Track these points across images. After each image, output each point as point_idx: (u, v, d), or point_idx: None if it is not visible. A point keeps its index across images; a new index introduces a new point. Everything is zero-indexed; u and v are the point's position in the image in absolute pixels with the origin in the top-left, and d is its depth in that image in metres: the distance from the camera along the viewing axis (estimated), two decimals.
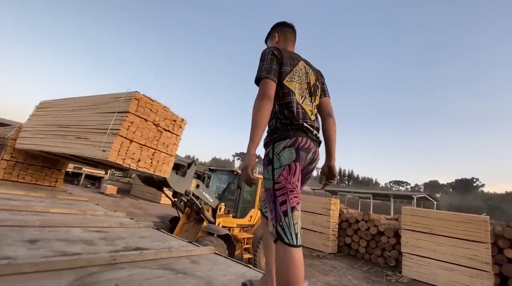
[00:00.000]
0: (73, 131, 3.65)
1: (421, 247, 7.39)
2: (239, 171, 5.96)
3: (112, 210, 3.57)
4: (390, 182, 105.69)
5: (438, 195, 65.72)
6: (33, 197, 3.44)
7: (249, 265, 2.07)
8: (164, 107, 3.55)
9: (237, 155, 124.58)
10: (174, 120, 3.71)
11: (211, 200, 5.13)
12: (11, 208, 2.44)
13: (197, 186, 4.72)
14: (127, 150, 3.14)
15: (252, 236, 5.76)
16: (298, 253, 1.09)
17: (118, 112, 3.23)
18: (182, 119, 3.90)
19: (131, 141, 3.18)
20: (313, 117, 1.35)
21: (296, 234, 1.11)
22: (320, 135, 1.40)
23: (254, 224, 6.15)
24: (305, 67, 1.44)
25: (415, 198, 21.95)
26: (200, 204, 4.84)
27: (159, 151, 3.53)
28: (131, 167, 3.20)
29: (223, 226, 5.32)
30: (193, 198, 4.71)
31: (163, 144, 3.60)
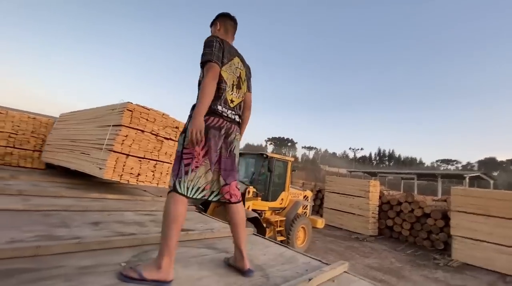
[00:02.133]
0: (79, 146, 3.56)
1: (475, 230, 6.81)
2: (269, 154, 5.95)
3: (157, 196, 3.87)
4: (437, 161, 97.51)
5: (495, 174, 59.18)
6: (89, 185, 3.86)
7: (287, 246, 2.12)
8: (163, 114, 3.32)
9: (269, 139, 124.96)
10: (177, 127, 3.50)
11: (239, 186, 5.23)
12: (75, 195, 2.79)
13: None
14: (124, 165, 2.97)
15: (284, 218, 5.80)
16: (183, 201, 1.33)
17: (112, 125, 3.03)
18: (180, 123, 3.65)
19: (127, 155, 2.98)
20: (232, 105, 1.55)
21: (188, 188, 1.34)
22: (237, 117, 1.60)
23: (286, 207, 6.18)
24: (238, 62, 1.62)
25: (467, 177, 19.97)
26: None
27: (162, 161, 3.33)
28: (130, 182, 3.04)
29: (253, 210, 5.41)
30: None
31: (166, 153, 3.41)
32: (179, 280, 1.23)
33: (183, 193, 1.33)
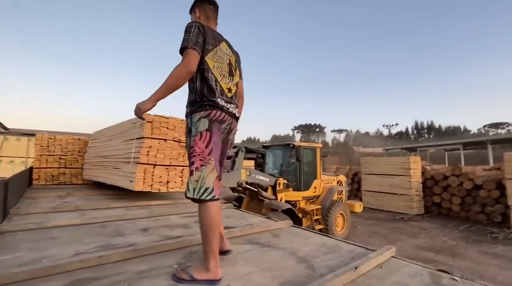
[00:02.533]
0: (110, 161, 3.70)
1: None
2: (296, 143, 5.89)
3: None
4: (484, 126, 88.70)
5: None
6: (134, 194, 4.15)
7: (328, 234, 2.10)
8: (182, 120, 3.32)
9: (296, 128, 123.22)
10: None
11: (267, 180, 5.22)
12: (123, 205, 3.03)
13: (249, 173, 4.83)
14: (153, 175, 3.04)
15: (320, 206, 5.73)
16: (211, 205, 1.28)
17: (136, 138, 3.11)
18: None
19: (154, 165, 3.05)
20: (230, 95, 1.46)
21: (195, 190, 1.27)
22: (237, 109, 1.51)
23: (320, 195, 6.10)
24: (226, 48, 1.52)
25: None
26: (256, 188, 4.99)
27: (188, 166, 3.47)
28: (161, 191, 3.12)
29: (286, 201, 5.41)
30: (247, 186, 4.85)
31: (183, 157, 3.41)
32: (229, 277, 1.29)
33: (190, 196, 1.28)
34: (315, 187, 6.03)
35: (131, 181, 3.01)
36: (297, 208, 5.62)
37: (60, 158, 5.34)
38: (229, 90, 1.46)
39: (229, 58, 1.51)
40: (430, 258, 4.84)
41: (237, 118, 1.52)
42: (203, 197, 1.27)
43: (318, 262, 1.52)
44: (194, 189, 1.27)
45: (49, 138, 5.35)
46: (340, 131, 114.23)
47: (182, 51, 1.32)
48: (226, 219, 2.58)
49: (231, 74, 1.49)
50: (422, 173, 9.33)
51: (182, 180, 3.38)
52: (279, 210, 4.64)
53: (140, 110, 1.32)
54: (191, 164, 1.31)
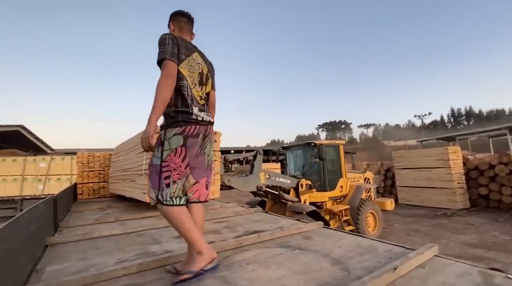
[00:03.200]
0: (128, 174, 3.81)
1: None
2: (317, 141, 5.69)
3: (225, 202, 4.12)
4: None
5: None
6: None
7: (362, 234, 2.02)
8: None
9: (320, 126, 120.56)
10: None
11: (288, 182, 5.08)
12: (157, 214, 3.17)
13: (268, 176, 4.74)
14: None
15: (348, 206, 5.45)
16: (176, 209, 1.36)
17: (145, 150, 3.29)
18: (215, 133, 3.72)
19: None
20: (202, 102, 1.52)
21: (173, 198, 1.36)
22: (210, 116, 1.56)
23: (347, 194, 5.82)
24: (198, 58, 1.56)
25: None
26: (277, 190, 4.88)
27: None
28: None
29: (312, 202, 5.23)
30: (267, 189, 4.75)
31: None
32: (262, 282, 1.29)
33: (169, 203, 1.35)
34: (341, 186, 5.78)
35: (144, 193, 3.11)
36: (324, 209, 5.43)
37: (99, 173, 5.75)
38: (201, 98, 1.52)
39: (202, 68, 1.56)
40: (480, 256, 4.43)
41: (211, 123, 1.57)
42: (177, 203, 1.37)
43: (353, 263, 1.47)
44: (173, 198, 1.36)
45: (89, 155, 5.80)
46: (367, 126, 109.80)
47: (160, 63, 1.39)
48: (254, 223, 2.59)
49: (201, 83, 1.55)
50: (464, 164, 8.62)
51: None
52: (304, 213, 4.50)
53: (146, 140, 1.33)
54: (166, 177, 1.36)
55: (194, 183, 1.47)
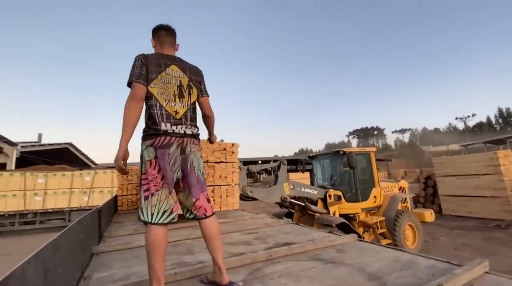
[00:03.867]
0: None
1: None
2: (346, 149, 5.41)
3: (255, 213, 4.13)
4: None
5: None
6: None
7: (401, 248, 1.90)
8: (206, 140, 3.54)
9: (351, 133, 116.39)
10: (224, 149, 3.61)
11: (315, 192, 4.88)
12: (190, 224, 3.28)
13: (293, 187, 4.59)
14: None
15: (383, 218, 5.08)
16: (155, 228, 1.32)
17: None
18: (233, 144, 3.74)
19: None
20: (178, 116, 1.50)
21: (152, 214, 1.33)
22: (191, 128, 1.54)
23: (381, 204, 5.42)
24: (175, 71, 1.54)
25: None
26: (304, 202, 4.69)
27: (218, 185, 3.44)
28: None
29: (343, 214, 4.97)
30: (292, 200, 4.57)
31: (220, 177, 3.49)
32: None
33: (146, 220, 1.33)
34: (374, 196, 5.41)
35: None
36: (357, 221, 5.13)
37: (137, 186, 6.12)
38: (176, 112, 1.50)
39: (180, 80, 1.55)
40: None
41: (190, 135, 1.53)
42: (160, 221, 1.33)
43: (392, 279, 1.39)
44: (152, 214, 1.33)
45: (128, 169, 6.22)
46: (403, 131, 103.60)
47: (129, 85, 1.43)
48: (285, 235, 2.56)
49: (181, 96, 1.53)
50: None
51: (213, 199, 3.44)
52: (333, 225, 4.27)
53: (116, 162, 1.36)
54: (145, 190, 1.37)
55: (195, 201, 1.47)
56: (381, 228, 5.01)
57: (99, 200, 9.74)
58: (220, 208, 3.51)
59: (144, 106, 1.48)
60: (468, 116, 53.32)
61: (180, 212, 1.49)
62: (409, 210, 5.82)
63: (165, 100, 1.48)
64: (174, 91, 1.52)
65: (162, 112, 1.46)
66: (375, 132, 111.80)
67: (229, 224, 3.35)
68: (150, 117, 1.46)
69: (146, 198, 1.36)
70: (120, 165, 1.36)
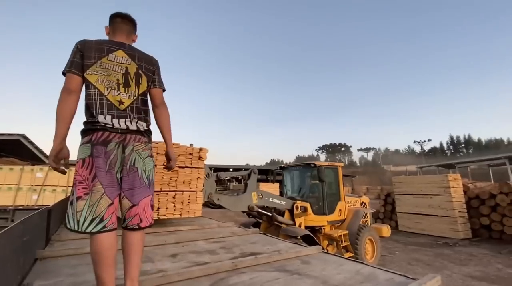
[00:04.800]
0: None
1: None
2: (317, 162, 5.54)
3: (222, 222, 4.04)
4: None
5: None
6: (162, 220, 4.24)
7: (362, 262, 1.96)
8: (173, 144, 3.25)
9: (320, 148, 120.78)
10: (190, 154, 3.50)
11: (283, 203, 4.93)
12: (153, 230, 3.10)
13: (261, 196, 4.60)
14: None
15: (347, 231, 5.24)
16: (97, 236, 1.18)
17: None
18: (200, 149, 3.62)
19: None
20: (122, 107, 1.34)
21: (79, 222, 1.17)
22: (138, 122, 1.38)
23: (345, 218, 5.62)
24: (122, 57, 1.39)
25: None
26: (271, 212, 4.72)
27: (181, 191, 3.34)
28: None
29: (309, 226, 5.05)
30: (259, 210, 4.58)
31: (184, 182, 3.37)
32: None
33: (73, 228, 1.17)
34: (340, 210, 5.58)
35: None
36: (323, 233, 5.24)
37: None
38: (120, 102, 1.33)
39: (126, 67, 1.38)
40: None
41: (136, 132, 1.36)
42: (89, 229, 1.17)
43: None
44: (79, 221, 1.17)
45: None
46: (367, 150, 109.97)
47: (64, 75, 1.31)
48: (252, 245, 2.52)
49: (126, 85, 1.37)
50: (465, 192, 8.52)
51: (174, 206, 3.31)
52: (298, 237, 4.30)
53: (50, 157, 1.21)
54: (72, 193, 1.22)
55: (131, 206, 1.30)
56: (344, 241, 5.15)
57: (50, 199, 8.83)
58: (180, 214, 3.34)
59: (85, 97, 1.31)
60: (424, 141, 58.24)
61: (115, 219, 1.28)
62: (369, 224, 6.10)
63: (106, 88, 1.31)
64: (118, 79, 1.35)
65: (103, 102, 1.29)
66: (343, 148, 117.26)
67: (195, 231, 3.23)
68: (87, 108, 1.30)
69: (71, 202, 1.20)
70: (51, 164, 1.21)
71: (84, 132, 1.29)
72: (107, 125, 1.28)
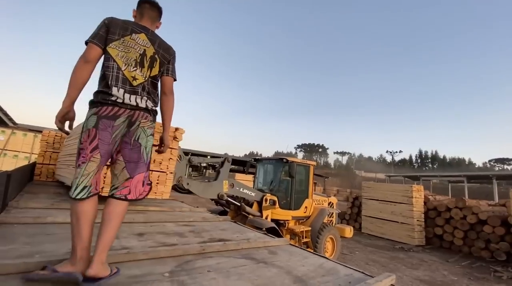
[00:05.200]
0: (72, 160, 3.47)
1: None
2: (289, 158, 5.64)
3: (195, 206, 4.01)
4: (490, 161, 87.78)
5: None
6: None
7: (326, 256, 2.05)
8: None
9: (299, 146, 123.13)
10: None
11: (253, 194, 4.96)
12: None
13: (232, 185, 4.60)
14: (105, 177, 2.88)
15: (309, 228, 5.41)
16: (79, 205, 1.22)
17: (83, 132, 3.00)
18: (176, 129, 3.46)
19: (108, 166, 2.88)
20: (135, 83, 1.40)
21: (76, 188, 1.22)
22: (147, 101, 1.44)
23: (310, 215, 5.79)
24: (143, 40, 1.46)
25: None
26: (240, 202, 4.75)
27: (150, 170, 3.20)
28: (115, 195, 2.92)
29: (275, 219, 5.14)
30: (229, 198, 4.58)
31: (154, 161, 3.24)
32: None
33: (71, 195, 1.22)
34: (306, 207, 5.74)
35: None
36: (286, 228, 5.36)
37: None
38: (134, 78, 1.40)
39: (144, 49, 1.45)
40: None
41: (144, 109, 1.43)
42: (79, 196, 1.22)
43: (314, 283, 1.47)
44: (76, 188, 1.22)
45: (56, 135, 5.42)
46: (343, 153, 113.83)
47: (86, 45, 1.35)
48: (221, 231, 2.54)
49: (141, 65, 1.43)
50: (425, 203, 9.14)
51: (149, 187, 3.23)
52: (263, 229, 4.34)
53: (55, 119, 1.27)
54: (76, 161, 1.29)
55: (128, 178, 1.35)
56: (305, 237, 5.29)
57: (11, 165, 8.23)
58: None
59: (101, 67, 1.37)
60: (396, 152, 61.47)
61: (98, 185, 1.32)
62: (334, 224, 6.34)
63: (124, 64, 1.38)
64: (136, 57, 1.42)
65: (119, 76, 1.35)
66: (320, 149, 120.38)
67: (165, 213, 3.17)
68: (103, 78, 1.35)
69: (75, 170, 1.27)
70: (57, 124, 1.27)
71: (92, 104, 1.33)
72: (118, 100, 1.33)
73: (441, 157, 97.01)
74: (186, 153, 4.62)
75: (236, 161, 21.52)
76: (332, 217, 6.38)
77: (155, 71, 1.50)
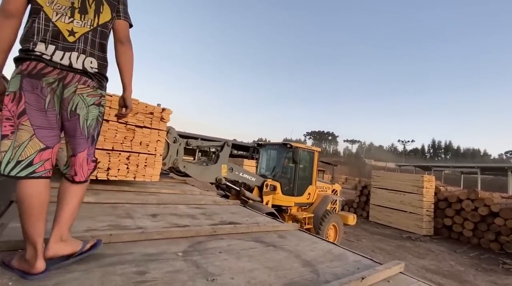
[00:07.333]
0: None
1: None
2: (294, 144, 5.54)
3: (205, 190, 4.09)
4: (506, 153, 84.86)
5: None
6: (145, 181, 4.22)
7: (335, 243, 2.07)
8: (132, 99, 3.13)
9: (308, 134, 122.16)
10: (151, 113, 3.21)
11: (253, 179, 4.90)
12: (134, 189, 3.10)
13: (231, 170, 4.53)
14: (109, 161, 2.83)
15: (312, 215, 5.38)
16: (25, 182, 1.02)
17: None
18: (163, 109, 3.32)
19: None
20: (72, 39, 1.12)
21: (1, 162, 1.01)
22: (88, 59, 1.16)
23: (313, 202, 5.75)
24: None
25: None
26: (239, 187, 4.71)
27: (137, 152, 3.10)
28: (99, 178, 2.80)
29: (276, 205, 5.12)
30: (227, 183, 4.54)
31: (141, 143, 3.14)
32: (233, 271, 1.29)
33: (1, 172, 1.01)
34: (309, 193, 5.68)
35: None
36: (288, 214, 5.37)
37: None
38: (71, 32, 1.12)
39: None
40: (436, 281, 4.67)
41: (82, 72, 1.15)
42: (12, 173, 1.01)
43: (323, 268, 1.50)
44: (1, 162, 1.01)
45: None
46: (353, 142, 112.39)
47: None
48: (232, 215, 2.59)
49: (82, 11, 1.15)
50: (435, 193, 9.02)
51: (128, 168, 3.05)
52: (264, 214, 4.43)
53: None
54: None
55: (71, 156, 1.18)
56: (308, 224, 5.27)
57: None
58: (134, 177, 3.10)
59: (27, 22, 1.10)
60: (408, 141, 60.19)
61: (50, 166, 1.11)
62: (337, 211, 6.31)
63: (56, 13, 1.09)
64: (74, 2, 1.12)
65: (48, 29, 1.07)
66: (329, 137, 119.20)
67: (177, 195, 3.26)
68: (26, 34, 1.08)
69: None
70: None
71: (16, 61, 1.08)
72: (44, 56, 1.06)
73: (455, 147, 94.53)
74: (185, 136, 4.61)
75: (238, 146, 21.44)
76: (336, 204, 6.36)
77: (105, 17, 1.22)
